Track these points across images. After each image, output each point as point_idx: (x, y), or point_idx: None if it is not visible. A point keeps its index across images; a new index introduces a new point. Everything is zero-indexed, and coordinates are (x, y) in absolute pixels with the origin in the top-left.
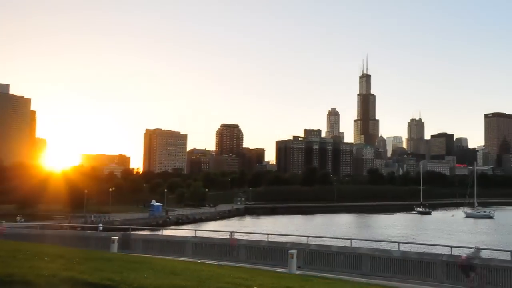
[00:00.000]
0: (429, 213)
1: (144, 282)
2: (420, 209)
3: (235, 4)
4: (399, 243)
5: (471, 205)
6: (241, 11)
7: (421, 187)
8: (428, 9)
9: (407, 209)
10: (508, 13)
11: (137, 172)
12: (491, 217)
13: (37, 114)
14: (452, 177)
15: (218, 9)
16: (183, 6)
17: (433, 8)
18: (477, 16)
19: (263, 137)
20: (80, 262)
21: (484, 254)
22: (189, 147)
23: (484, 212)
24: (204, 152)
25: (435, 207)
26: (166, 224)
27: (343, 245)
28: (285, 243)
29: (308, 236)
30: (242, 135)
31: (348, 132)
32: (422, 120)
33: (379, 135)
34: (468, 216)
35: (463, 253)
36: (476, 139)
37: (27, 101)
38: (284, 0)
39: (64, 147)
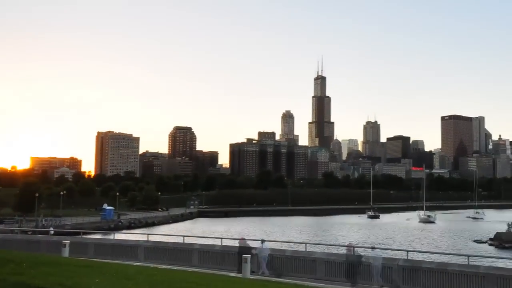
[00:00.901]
0: (377, 217)
1: (96, 287)
2: (371, 213)
3: (186, 5)
4: (354, 247)
5: (420, 209)
6: (193, 12)
7: (371, 191)
8: (384, 11)
9: (361, 213)
10: (462, 15)
11: (89, 175)
12: (432, 222)
13: None
14: (409, 180)
15: (168, 10)
16: (131, 7)
17: (388, 10)
18: (432, 18)
19: (216, 140)
20: (31, 267)
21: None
22: (142, 150)
23: (429, 216)
24: (156, 155)
25: (390, 210)
26: (118, 228)
27: (297, 249)
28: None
29: (263, 240)
30: (195, 138)
31: (303, 135)
32: (378, 123)
33: (334, 138)
34: (420, 220)
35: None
36: (433, 141)
37: None
38: (238, 2)
39: (14, 150)
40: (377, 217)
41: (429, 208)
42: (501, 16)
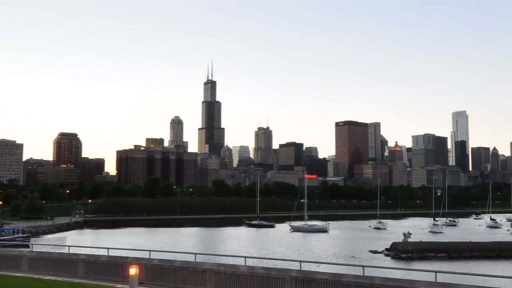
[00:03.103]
0: (272, 226)
1: None
2: (256, 222)
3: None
4: (245, 257)
5: (301, 218)
6: (79, 16)
7: (257, 199)
8: (276, 14)
9: (253, 221)
10: (361, 17)
11: None
12: (325, 231)
13: None
14: (302, 188)
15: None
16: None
17: (280, 13)
18: (324, 22)
19: (103, 147)
20: None
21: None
22: (26, 157)
23: (317, 225)
24: (41, 162)
25: (283, 219)
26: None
27: (187, 259)
28: (126, 257)
29: (150, 250)
30: (81, 145)
31: (193, 141)
32: (270, 129)
33: (225, 144)
34: (294, 230)
35: None
36: (327, 148)
37: None
38: (126, 4)
39: None
40: (271, 226)
41: (323, 217)
42: (395, 23)
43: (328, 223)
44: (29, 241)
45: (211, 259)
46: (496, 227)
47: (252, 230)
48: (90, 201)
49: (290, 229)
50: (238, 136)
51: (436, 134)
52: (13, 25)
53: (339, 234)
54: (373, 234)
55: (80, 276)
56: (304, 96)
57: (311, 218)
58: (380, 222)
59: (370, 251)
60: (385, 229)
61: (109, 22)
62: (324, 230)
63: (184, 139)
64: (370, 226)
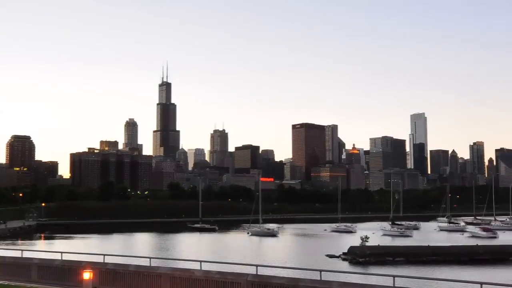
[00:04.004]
0: (214, 230)
1: None
2: (199, 225)
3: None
4: (201, 262)
5: (256, 221)
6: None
7: (200, 203)
8: (230, 16)
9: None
10: (309, 23)
11: None
12: (274, 235)
13: None
14: (258, 191)
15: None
16: None
17: (235, 15)
18: (280, 24)
19: (57, 149)
20: None
21: None
22: None
23: (268, 229)
24: None
25: (237, 223)
26: None
27: (141, 264)
28: (80, 262)
29: (104, 255)
30: (34, 147)
31: (147, 144)
32: (226, 131)
33: (180, 147)
34: (252, 234)
35: None
36: (284, 151)
37: None
38: (81, 5)
39: None
40: (213, 230)
41: (279, 221)
42: (351, 25)
43: (279, 227)
44: None
45: (166, 263)
46: (458, 231)
47: (206, 234)
48: (43, 204)
49: (248, 233)
50: (193, 138)
51: (394, 137)
52: None
53: (300, 238)
54: (332, 238)
55: (34, 280)
56: (261, 98)
57: (266, 222)
58: (346, 225)
59: (327, 255)
60: (354, 232)
61: (63, 22)
62: (273, 234)
63: (139, 142)
64: (337, 226)
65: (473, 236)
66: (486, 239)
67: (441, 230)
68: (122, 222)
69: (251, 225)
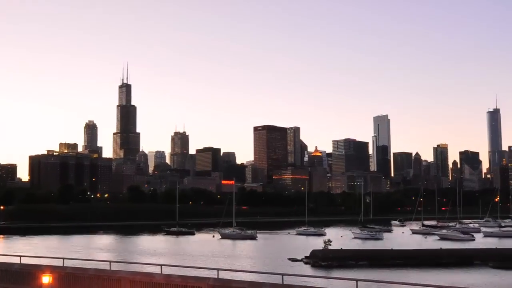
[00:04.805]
0: (192, 234)
1: None
2: (175, 229)
3: None
4: (161, 265)
5: (229, 225)
6: None
7: (177, 205)
8: (192, 17)
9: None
10: (271, 23)
11: None
12: (253, 238)
13: None
14: (220, 194)
15: None
16: None
17: (196, 16)
18: (241, 25)
19: (15, 152)
20: None
21: None
22: None
23: (242, 232)
24: None
25: (201, 227)
26: None
27: (101, 267)
28: (39, 265)
29: (63, 258)
30: None
31: (107, 146)
32: (187, 134)
33: (141, 150)
34: (224, 237)
35: None
36: (245, 153)
37: None
38: (41, 5)
39: None
40: (191, 233)
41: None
42: (312, 26)
43: (256, 231)
44: None
45: (126, 267)
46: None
47: (169, 237)
48: (2, 207)
49: (219, 236)
50: (154, 141)
51: (357, 139)
52: None
53: (263, 241)
54: (296, 241)
55: None
56: (222, 100)
57: (240, 225)
58: (315, 228)
59: (289, 259)
60: (324, 234)
61: (22, 22)
62: (252, 237)
63: (99, 144)
64: (304, 229)
65: (449, 239)
66: (464, 242)
67: (414, 233)
68: (84, 225)
69: (220, 229)
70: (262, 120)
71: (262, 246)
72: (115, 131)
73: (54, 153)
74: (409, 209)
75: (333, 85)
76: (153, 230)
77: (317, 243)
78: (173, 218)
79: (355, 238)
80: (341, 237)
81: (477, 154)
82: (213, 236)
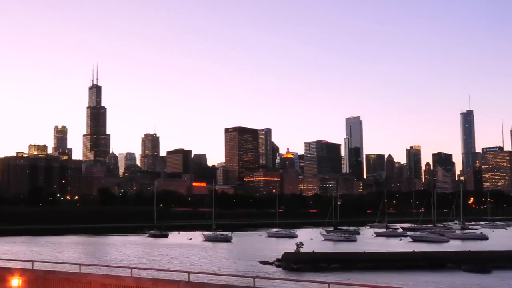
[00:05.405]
0: (165, 236)
1: None
2: (154, 232)
3: None
4: (132, 268)
5: (209, 227)
6: None
7: (154, 208)
8: (162, 17)
9: (140, 231)
10: (242, 26)
11: None
12: (228, 240)
13: None
14: (191, 196)
15: None
16: None
17: (166, 17)
18: (212, 26)
19: None
20: None
21: None
22: None
23: (222, 234)
24: None
25: (173, 229)
26: None
27: (71, 270)
28: (9, 268)
29: (33, 261)
30: None
31: (77, 148)
32: (157, 135)
33: (111, 151)
34: (207, 239)
35: None
36: (217, 155)
37: None
38: (4, 6)
39: None
40: (164, 236)
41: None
42: (284, 28)
43: (232, 233)
44: None
45: (96, 270)
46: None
47: (150, 239)
48: None
49: (201, 238)
50: (124, 142)
51: (329, 141)
52: None
53: (235, 244)
54: (268, 244)
55: None
56: (193, 101)
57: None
58: (286, 230)
59: (261, 262)
60: (295, 236)
61: None
62: (227, 239)
63: (69, 146)
64: (275, 231)
65: (424, 241)
66: (438, 244)
67: (377, 235)
68: (54, 228)
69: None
70: (234, 122)
71: (234, 248)
72: (85, 133)
73: (24, 155)
74: (383, 211)
75: (305, 87)
76: (122, 232)
77: (289, 246)
78: (144, 220)
79: (325, 240)
80: (311, 240)
81: (450, 156)
82: (190, 239)
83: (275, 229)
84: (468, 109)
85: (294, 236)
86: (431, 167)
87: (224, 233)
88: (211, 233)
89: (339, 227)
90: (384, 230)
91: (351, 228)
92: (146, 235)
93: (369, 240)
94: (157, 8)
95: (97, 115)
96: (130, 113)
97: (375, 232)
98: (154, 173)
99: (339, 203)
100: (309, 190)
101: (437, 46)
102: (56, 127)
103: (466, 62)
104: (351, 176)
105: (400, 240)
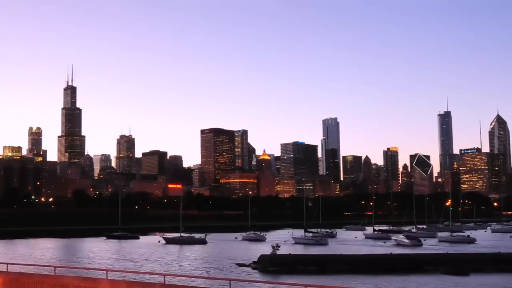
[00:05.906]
0: (136, 238)
1: None
2: (118, 234)
3: None
4: (107, 270)
5: (178, 229)
6: None
7: (119, 209)
8: (138, 17)
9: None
10: (219, 27)
11: None
12: (203, 242)
13: None
14: (166, 198)
15: None
16: None
17: (142, 17)
18: (189, 27)
19: None
20: None
21: None
22: None
23: (196, 236)
24: None
25: (146, 231)
26: None
27: (46, 273)
28: None
29: (7, 264)
30: None
31: (52, 150)
32: (133, 137)
33: (86, 153)
34: (168, 242)
35: None
36: (193, 157)
37: None
38: None
39: None
40: (135, 237)
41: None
42: (262, 30)
43: (206, 235)
44: None
45: (72, 272)
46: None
47: (114, 242)
48: None
49: (162, 241)
50: (99, 144)
51: (306, 142)
52: None
53: (211, 246)
54: (242, 246)
55: None
56: (168, 103)
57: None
58: (255, 233)
59: (237, 264)
60: (263, 240)
61: None
62: (202, 242)
63: (43, 147)
64: (247, 234)
65: (398, 244)
66: (411, 247)
67: (367, 238)
68: (28, 230)
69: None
70: (209, 123)
71: (210, 250)
72: (60, 134)
73: None
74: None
75: (282, 88)
76: (97, 234)
77: (265, 248)
78: (117, 222)
79: (296, 243)
80: (284, 242)
81: (428, 157)
82: (159, 241)
83: (251, 232)
84: (446, 110)
85: (262, 240)
86: (409, 169)
87: (198, 235)
88: (177, 235)
89: (309, 230)
90: (371, 232)
91: (323, 230)
92: (105, 238)
93: (348, 242)
94: (132, 9)
95: (72, 116)
96: (105, 115)
97: (364, 234)
98: (130, 174)
99: (309, 204)
100: (286, 192)
101: (415, 47)
102: (31, 128)
103: (443, 63)
104: (328, 178)
105: (385, 242)
